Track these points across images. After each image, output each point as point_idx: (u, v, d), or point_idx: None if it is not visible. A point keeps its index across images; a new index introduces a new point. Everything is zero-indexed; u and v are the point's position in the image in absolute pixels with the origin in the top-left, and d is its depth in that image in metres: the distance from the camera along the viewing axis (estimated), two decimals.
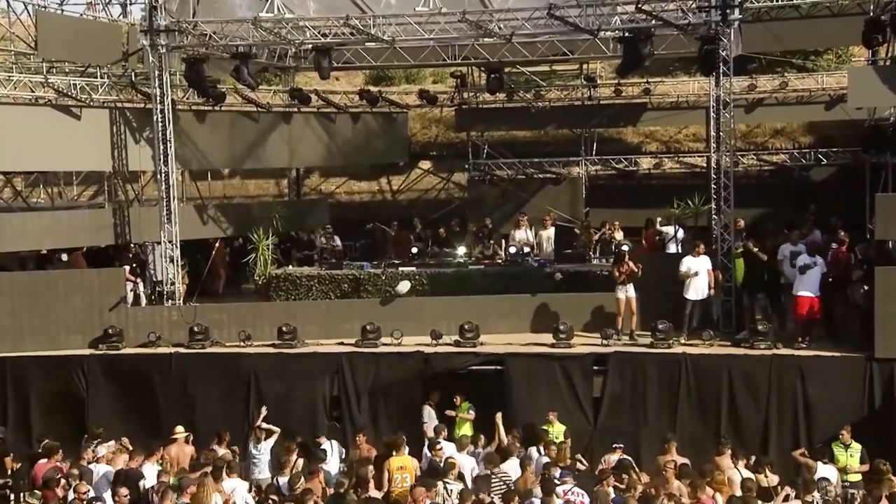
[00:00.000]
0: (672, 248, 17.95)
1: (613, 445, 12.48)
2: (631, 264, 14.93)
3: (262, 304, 16.93)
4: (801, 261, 14.22)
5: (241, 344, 15.41)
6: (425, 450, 12.84)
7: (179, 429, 13.11)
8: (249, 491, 11.55)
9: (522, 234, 18.84)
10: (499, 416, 13.23)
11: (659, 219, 19.37)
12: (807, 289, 14.15)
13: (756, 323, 14.54)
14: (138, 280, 17.78)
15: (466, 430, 13.91)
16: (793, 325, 14.65)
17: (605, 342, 14.74)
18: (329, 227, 20.37)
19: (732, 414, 13.81)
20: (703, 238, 15.97)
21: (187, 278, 17.88)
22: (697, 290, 14.98)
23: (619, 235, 19.08)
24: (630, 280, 14.95)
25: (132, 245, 19.12)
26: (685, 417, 13.90)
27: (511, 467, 11.97)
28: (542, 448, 12.55)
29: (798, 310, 14.28)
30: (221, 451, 12.83)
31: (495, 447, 12.93)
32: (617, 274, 14.97)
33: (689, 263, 14.97)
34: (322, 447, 12.80)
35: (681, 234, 18.12)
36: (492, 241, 18.97)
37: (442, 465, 11.65)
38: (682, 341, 14.70)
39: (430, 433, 13.91)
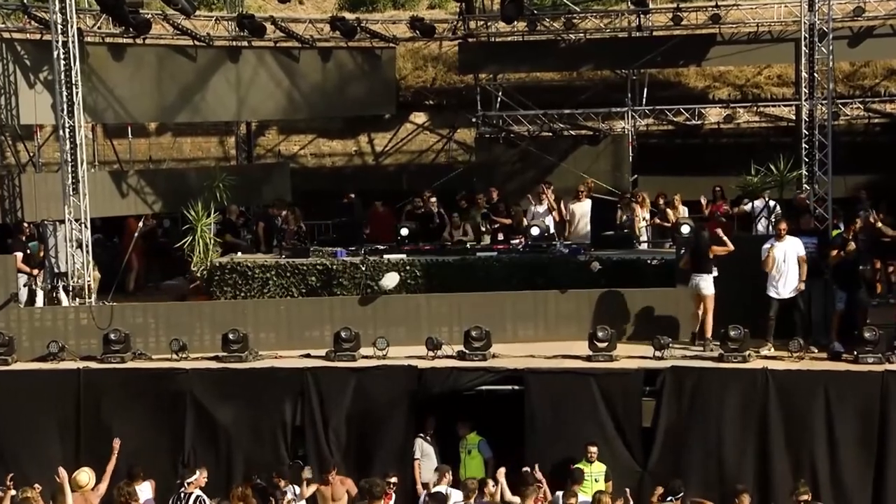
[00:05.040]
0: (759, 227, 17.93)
1: (668, 498, 12.32)
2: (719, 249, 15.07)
3: (201, 304, 17.00)
4: None
5: (174, 356, 15.43)
6: (422, 499, 12.88)
7: (83, 477, 12.87)
8: None
9: (546, 211, 18.78)
10: (501, 472, 13.05)
11: (717, 188, 19.39)
12: None
13: (863, 329, 14.43)
14: (35, 271, 17.69)
15: (476, 468, 13.91)
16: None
17: (658, 354, 14.72)
18: (286, 200, 20.34)
19: (831, 450, 13.71)
20: (793, 215, 15.89)
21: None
22: (784, 284, 14.89)
23: (679, 211, 18.95)
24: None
25: (26, 225, 19.04)
26: (766, 455, 13.80)
27: None
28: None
29: None
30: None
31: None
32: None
33: (773, 251, 14.87)
34: (284, 491, 12.71)
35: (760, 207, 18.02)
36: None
37: None
38: (763, 353, 14.69)
39: (425, 474, 13.94)
